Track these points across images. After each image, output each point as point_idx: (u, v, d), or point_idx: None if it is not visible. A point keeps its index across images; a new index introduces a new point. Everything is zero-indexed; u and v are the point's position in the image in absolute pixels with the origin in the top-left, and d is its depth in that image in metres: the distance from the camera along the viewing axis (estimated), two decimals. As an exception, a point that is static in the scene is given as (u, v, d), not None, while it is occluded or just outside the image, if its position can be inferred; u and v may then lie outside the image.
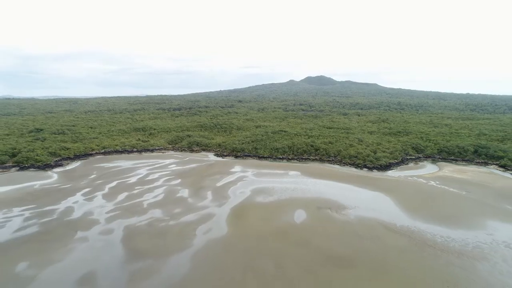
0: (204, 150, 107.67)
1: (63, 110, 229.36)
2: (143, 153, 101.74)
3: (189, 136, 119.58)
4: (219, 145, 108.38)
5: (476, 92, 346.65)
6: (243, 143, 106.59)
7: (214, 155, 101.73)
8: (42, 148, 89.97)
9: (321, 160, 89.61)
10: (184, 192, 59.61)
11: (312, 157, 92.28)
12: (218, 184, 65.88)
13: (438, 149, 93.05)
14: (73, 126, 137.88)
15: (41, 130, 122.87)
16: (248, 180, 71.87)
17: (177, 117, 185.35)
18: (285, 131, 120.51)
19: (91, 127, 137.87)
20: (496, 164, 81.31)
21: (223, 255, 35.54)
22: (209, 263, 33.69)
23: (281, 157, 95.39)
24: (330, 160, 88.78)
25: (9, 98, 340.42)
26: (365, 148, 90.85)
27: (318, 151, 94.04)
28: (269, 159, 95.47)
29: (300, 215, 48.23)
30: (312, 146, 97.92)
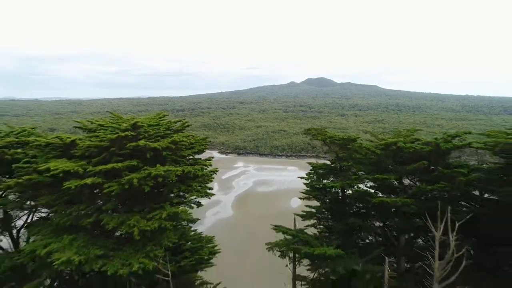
0: (208, 148, 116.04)
1: (69, 111, 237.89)
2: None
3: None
4: (223, 143, 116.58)
5: (475, 94, 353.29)
6: (245, 142, 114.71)
7: (218, 152, 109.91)
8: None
9: (317, 157, 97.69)
10: (194, 183, 67.69)
11: (309, 154, 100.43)
12: (223, 177, 74.11)
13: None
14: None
15: (54, 130, 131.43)
16: (250, 173, 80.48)
17: (181, 117, 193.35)
18: (284, 131, 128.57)
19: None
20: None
21: (229, 231, 43.48)
22: (218, 236, 41.50)
23: (280, 154, 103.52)
24: (325, 157, 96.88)
25: (13, 99, 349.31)
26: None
27: (315, 148, 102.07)
28: (269, 156, 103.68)
29: (295, 201, 56.10)
30: (309, 144, 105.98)
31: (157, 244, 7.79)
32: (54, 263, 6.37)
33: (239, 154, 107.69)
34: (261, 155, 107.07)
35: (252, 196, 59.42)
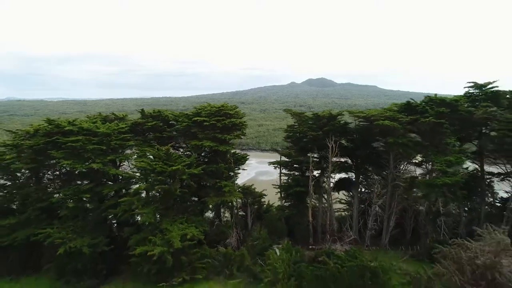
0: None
1: (76, 111, 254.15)
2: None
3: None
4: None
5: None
6: (247, 139, 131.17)
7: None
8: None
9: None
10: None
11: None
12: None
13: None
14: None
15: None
16: (253, 166, 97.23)
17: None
18: (284, 129, 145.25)
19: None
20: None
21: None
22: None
23: (280, 149, 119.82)
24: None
25: (19, 100, 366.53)
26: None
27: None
28: (270, 151, 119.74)
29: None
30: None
31: (231, 147, 24.92)
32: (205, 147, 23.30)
33: (242, 150, 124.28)
34: (262, 150, 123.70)
35: (255, 184, 75.80)
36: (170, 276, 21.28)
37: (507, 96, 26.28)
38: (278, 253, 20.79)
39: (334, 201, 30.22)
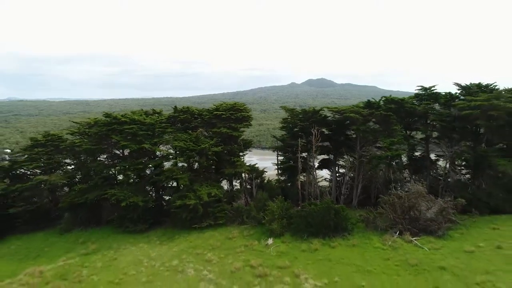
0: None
1: (79, 111, 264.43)
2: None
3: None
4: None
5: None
6: (248, 137, 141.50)
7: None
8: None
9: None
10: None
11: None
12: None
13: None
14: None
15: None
16: (254, 162, 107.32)
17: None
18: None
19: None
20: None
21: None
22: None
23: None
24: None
25: (22, 100, 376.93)
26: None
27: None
28: (271, 149, 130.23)
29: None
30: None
31: (241, 133, 34.92)
32: (222, 133, 33.27)
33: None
34: (262, 148, 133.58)
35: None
36: (199, 221, 31.36)
37: (447, 96, 36.54)
38: (275, 205, 30.80)
39: (320, 179, 40.53)
